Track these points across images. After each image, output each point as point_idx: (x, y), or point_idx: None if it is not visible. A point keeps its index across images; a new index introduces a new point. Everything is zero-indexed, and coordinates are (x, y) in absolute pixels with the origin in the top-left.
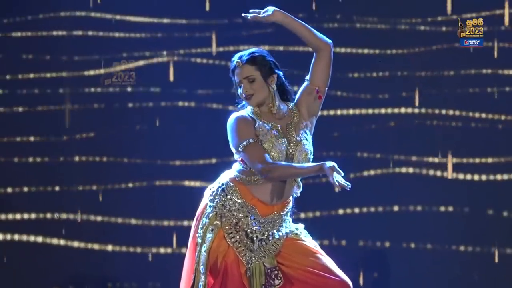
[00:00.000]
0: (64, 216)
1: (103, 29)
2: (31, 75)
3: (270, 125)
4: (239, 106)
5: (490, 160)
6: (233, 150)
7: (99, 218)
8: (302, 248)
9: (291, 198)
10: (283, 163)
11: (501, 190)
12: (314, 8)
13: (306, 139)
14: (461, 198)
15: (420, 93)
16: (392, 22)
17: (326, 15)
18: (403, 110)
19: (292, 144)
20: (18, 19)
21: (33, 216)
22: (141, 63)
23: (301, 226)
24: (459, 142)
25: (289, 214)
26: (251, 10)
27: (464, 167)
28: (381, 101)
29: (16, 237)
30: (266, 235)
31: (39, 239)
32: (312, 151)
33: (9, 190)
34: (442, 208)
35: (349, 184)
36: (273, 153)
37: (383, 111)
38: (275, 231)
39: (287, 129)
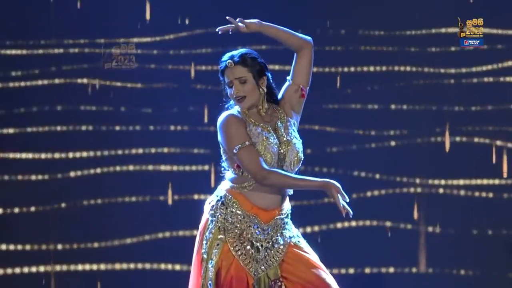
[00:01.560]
0: (61, 246)
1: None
2: (24, 87)
3: (260, 127)
4: (226, 106)
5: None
6: (223, 154)
7: (103, 239)
8: (304, 260)
9: (287, 199)
10: (281, 171)
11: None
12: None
13: (296, 137)
14: (464, 218)
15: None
16: (397, 41)
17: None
18: (405, 131)
19: (283, 145)
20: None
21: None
22: (139, 85)
23: (299, 234)
24: (462, 161)
25: (289, 216)
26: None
27: (468, 188)
28: (380, 118)
29: (19, 269)
30: (271, 242)
31: (41, 268)
32: (302, 149)
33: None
34: (445, 228)
35: (352, 213)
36: (267, 156)
37: (384, 132)
38: (278, 236)
39: (277, 130)
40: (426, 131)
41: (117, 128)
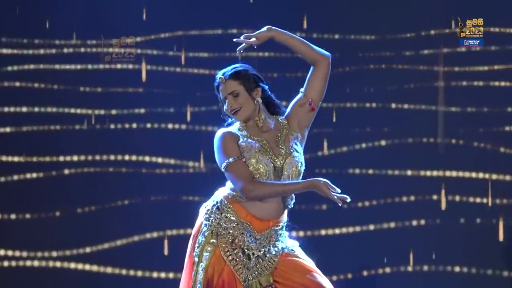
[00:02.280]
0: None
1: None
2: (18, 86)
3: (254, 140)
4: (226, 124)
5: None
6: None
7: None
8: (299, 266)
9: (285, 212)
10: (265, 181)
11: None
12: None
13: (296, 150)
14: (458, 216)
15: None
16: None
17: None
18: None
19: (280, 157)
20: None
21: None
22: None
23: (296, 243)
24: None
25: (284, 228)
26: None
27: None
28: (374, 116)
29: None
30: (262, 251)
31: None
32: (303, 162)
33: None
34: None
35: (349, 198)
36: (260, 168)
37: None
38: (271, 246)
39: (275, 142)
40: (421, 131)
41: (112, 129)
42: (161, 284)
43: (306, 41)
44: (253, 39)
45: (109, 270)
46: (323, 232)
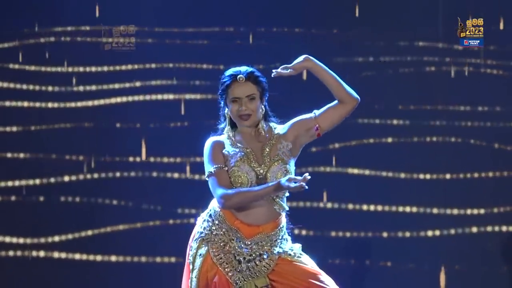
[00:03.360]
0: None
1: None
2: (19, 87)
3: (239, 148)
4: (221, 126)
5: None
6: None
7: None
8: (299, 269)
9: (280, 218)
10: (239, 189)
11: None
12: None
13: (282, 160)
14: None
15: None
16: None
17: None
18: (395, 121)
19: (263, 165)
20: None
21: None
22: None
23: (297, 246)
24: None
25: (283, 234)
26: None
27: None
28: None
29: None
30: (253, 256)
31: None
32: (290, 171)
33: None
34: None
35: (307, 174)
36: (241, 176)
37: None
38: (264, 252)
39: (261, 150)
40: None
41: (111, 131)
42: (164, 269)
43: (339, 79)
44: (290, 70)
45: (113, 258)
46: (333, 233)
